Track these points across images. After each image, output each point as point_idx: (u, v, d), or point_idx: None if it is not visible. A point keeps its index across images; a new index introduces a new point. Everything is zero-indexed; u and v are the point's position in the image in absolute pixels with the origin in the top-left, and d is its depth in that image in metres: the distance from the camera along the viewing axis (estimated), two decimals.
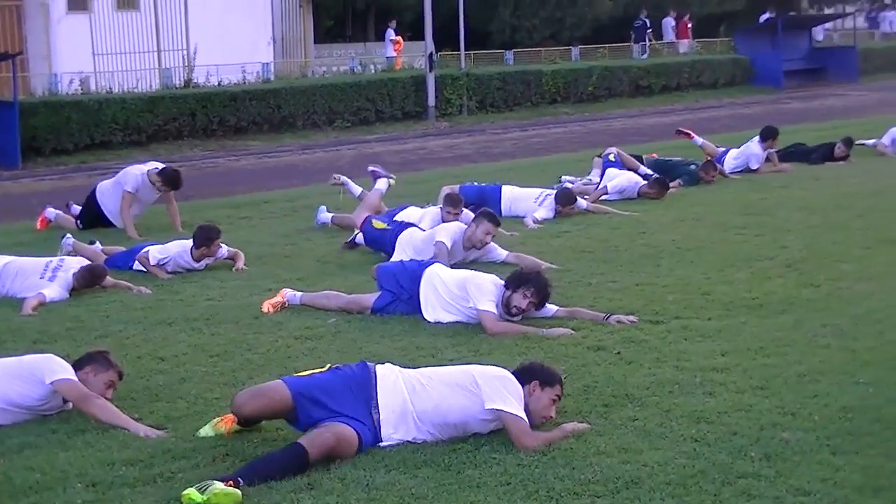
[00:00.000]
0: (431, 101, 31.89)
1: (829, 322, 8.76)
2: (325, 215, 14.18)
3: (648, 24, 44.48)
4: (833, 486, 5.66)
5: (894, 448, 6.09)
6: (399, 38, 41.09)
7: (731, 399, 6.96)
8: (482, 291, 8.94)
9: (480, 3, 44.16)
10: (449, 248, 10.96)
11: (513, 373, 6.62)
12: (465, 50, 35.60)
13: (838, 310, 9.15)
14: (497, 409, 6.35)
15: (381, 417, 6.35)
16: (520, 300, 8.85)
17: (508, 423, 6.34)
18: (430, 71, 31.87)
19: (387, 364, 6.71)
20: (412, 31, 41.10)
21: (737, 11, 51.84)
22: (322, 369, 6.63)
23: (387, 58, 39.94)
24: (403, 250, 11.36)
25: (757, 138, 18.38)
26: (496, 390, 6.40)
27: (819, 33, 49.68)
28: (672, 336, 8.51)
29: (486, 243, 11.03)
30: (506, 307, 8.89)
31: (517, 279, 8.95)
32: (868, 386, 7.13)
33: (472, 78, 33.65)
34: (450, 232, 11.25)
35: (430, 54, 31.99)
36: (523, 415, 6.38)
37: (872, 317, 8.88)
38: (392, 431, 6.37)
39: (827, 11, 59.74)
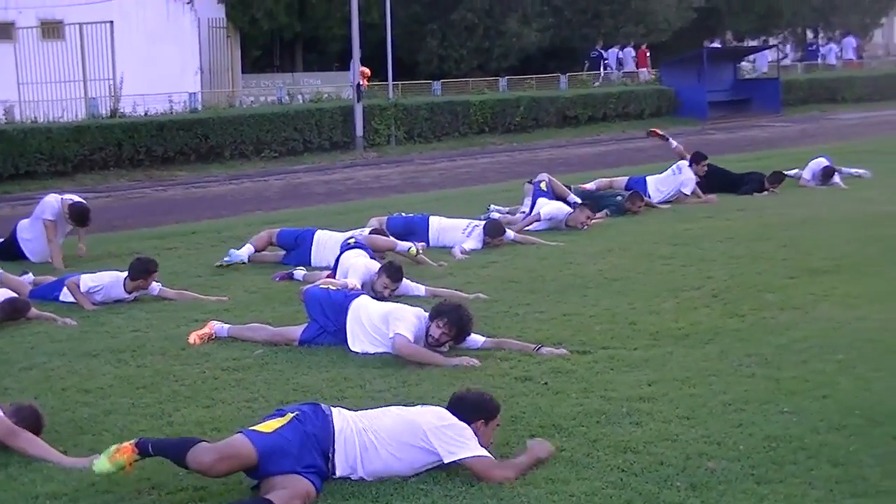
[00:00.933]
0: (359, 131, 31.88)
1: (753, 352, 8.85)
2: (239, 253, 13.79)
3: (604, 55, 45.02)
4: None
5: (817, 476, 6.16)
6: (365, 69, 40.88)
7: (658, 429, 7.00)
8: (402, 321, 9.00)
9: (408, 33, 44.32)
10: (359, 285, 11.02)
11: (450, 407, 6.60)
12: (393, 80, 35.67)
13: (763, 339, 9.25)
14: (460, 459, 6.33)
15: (336, 470, 6.32)
16: (434, 330, 8.94)
17: (474, 466, 6.32)
18: (358, 101, 31.88)
19: (342, 412, 6.57)
20: (340, 62, 41.13)
21: (662, 43, 52.35)
22: (284, 420, 6.35)
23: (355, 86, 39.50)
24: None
25: (685, 163, 18.57)
26: (450, 441, 6.38)
27: (763, 65, 50.40)
28: (599, 366, 8.55)
29: (385, 297, 10.87)
30: (426, 337, 8.96)
31: (435, 310, 9.05)
32: (792, 415, 7.21)
33: (400, 108, 33.70)
34: (359, 274, 11.32)
35: (358, 85, 32.01)
36: (484, 451, 6.39)
37: (796, 346, 8.98)
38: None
39: (751, 43, 60.59)
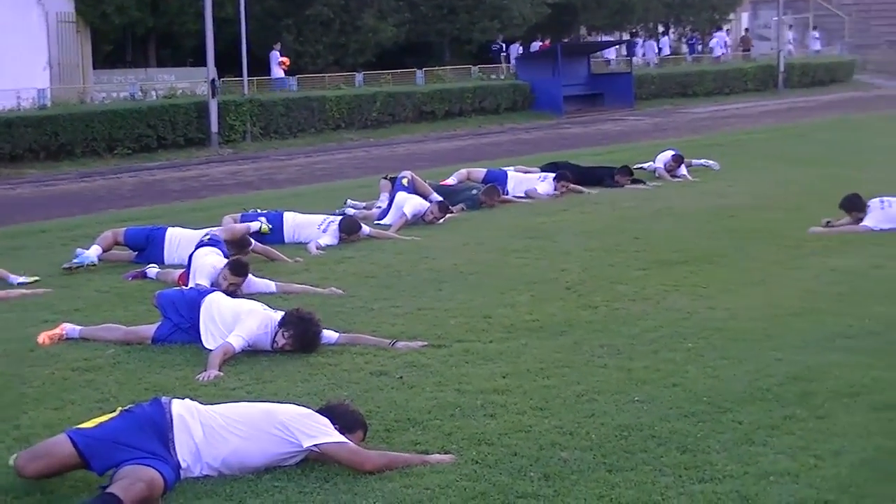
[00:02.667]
0: (214, 127, 31.52)
1: (606, 342, 8.97)
2: (88, 254, 13.27)
3: (504, 48, 45.42)
4: (609, 502, 5.80)
5: (667, 463, 6.27)
6: (285, 58, 41.63)
7: (512, 420, 7.06)
8: (242, 325, 8.94)
9: (263, 28, 43.90)
10: (208, 284, 10.92)
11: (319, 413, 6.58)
12: (249, 76, 35.36)
13: (615, 330, 9.39)
14: (319, 444, 6.29)
15: (177, 457, 6.22)
16: (279, 338, 8.91)
17: (336, 452, 6.29)
18: (213, 97, 31.53)
19: (185, 400, 6.54)
20: (194, 58, 40.62)
21: (518, 38, 52.76)
22: (112, 414, 6.35)
23: (275, 79, 40.08)
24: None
25: (551, 177, 18.67)
26: (309, 427, 6.34)
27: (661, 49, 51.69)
28: (454, 359, 8.59)
29: (232, 292, 10.73)
30: (272, 342, 8.94)
31: (286, 319, 8.97)
32: (643, 404, 7.33)
33: (255, 104, 33.42)
34: (205, 274, 11.19)
35: (213, 80, 31.66)
36: (345, 438, 6.35)
37: (647, 336, 9.14)
38: (189, 472, 6.24)
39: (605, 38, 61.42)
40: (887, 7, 73.93)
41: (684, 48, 63.54)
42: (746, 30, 64.96)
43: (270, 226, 12.55)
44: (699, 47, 61.19)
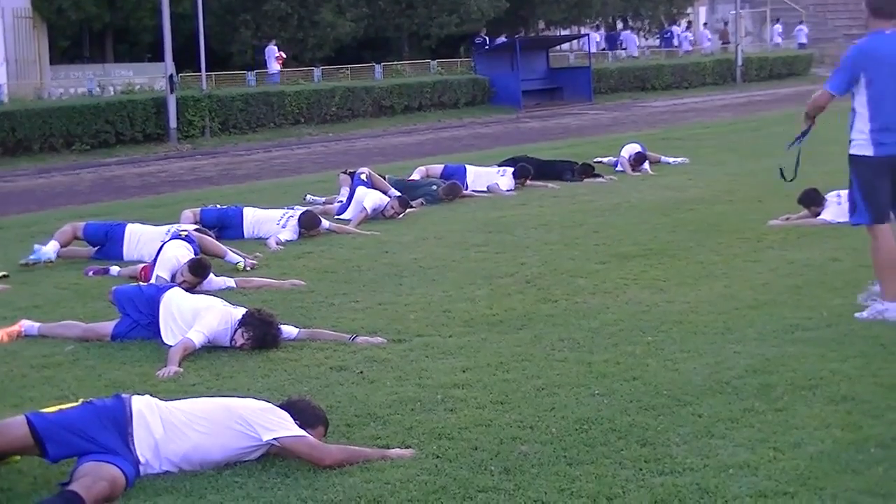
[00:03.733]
0: (173, 123, 31.42)
1: (566, 336, 8.99)
2: (45, 251, 13.14)
3: (487, 42, 45.70)
4: (569, 495, 5.81)
5: (627, 456, 6.29)
6: (282, 53, 42.17)
7: (472, 414, 7.06)
8: (202, 320, 8.92)
9: (221, 23, 43.78)
10: (168, 277, 10.94)
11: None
12: (207, 71, 35.23)
13: (575, 324, 9.40)
14: (278, 438, 6.27)
15: (137, 453, 6.18)
16: (238, 337, 8.87)
17: (295, 446, 6.27)
18: (171, 93, 31.40)
19: (146, 397, 6.51)
20: (152, 53, 40.45)
21: (476, 32, 52.81)
22: (74, 403, 6.37)
23: (270, 75, 40.55)
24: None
25: (510, 172, 18.69)
26: (269, 421, 6.32)
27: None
28: (414, 354, 8.59)
29: (191, 289, 10.64)
30: (230, 340, 8.91)
31: (246, 318, 8.93)
32: (603, 397, 7.35)
33: (213, 99, 33.31)
34: (168, 266, 11.16)
35: (171, 76, 31.54)
36: (305, 432, 6.34)
37: (607, 330, 9.16)
38: (148, 468, 6.21)
39: (563, 33, 61.59)
40: (844, 1, 74.46)
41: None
42: (726, 23, 65.24)
43: (249, 268, 12.38)
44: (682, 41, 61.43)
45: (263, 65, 42.65)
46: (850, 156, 9.40)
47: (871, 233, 9.42)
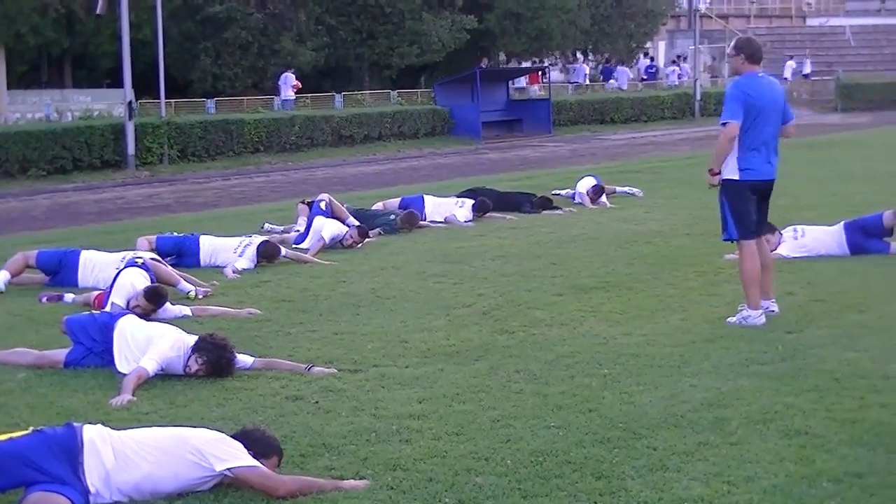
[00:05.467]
0: (131, 149, 31.32)
1: (522, 368, 8.98)
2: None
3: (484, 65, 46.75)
4: None
5: (582, 489, 6.28)
6: (298, 82, 43.37)
7: (427, 446, 7.04)
8: (155, 348, 8.85)
9: (181, 50, 43.72)
10: (123, 304, 10.86)
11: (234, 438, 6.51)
12: (166, 98, 35.15)
13: (531, 355, 9.40)
14: (232, 469, 6.22)
15: (87, 482, 6.12)
16: (192, 363, 8.81)
17: (248, 476, 6.22)
18: (130, 119, 31.31)
19: (97, 426, 6.45)
20: (111, 79, 40.33)
21: (436, 63, 52.96)
22: (24, 431, 6.29)
23: (283, 101, 41.46)
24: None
25: (469, 203, 18.68)
26: (222, 451, 6.27)
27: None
28: (370, 384, 8.56)
29: (146, 316, 10.60)
30: (184, 367, 8.85)
31: (200, 343, 8.87)
32: (558, 429, 7.34)
33: (172, 126, 33.23)
34: (123, 293, 11.09)
35: (130, 102, 31.45)
36: (258, 463, 6.29)
37: (563, 362, 9.16)
38: (99, 498, 6.14)
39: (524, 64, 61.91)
40: (800, 37, 75.30)
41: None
42: (714, 58, 65.84)
43: (201, 295, 12.29)
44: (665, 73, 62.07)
45: (275, 91, 43.56)
46: (724, 180, 10.58)
47: (739, 248, 10.65)
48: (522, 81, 55.64)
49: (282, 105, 41.53)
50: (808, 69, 64.96)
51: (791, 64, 64.55)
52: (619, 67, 62.65)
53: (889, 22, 77.76)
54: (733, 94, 10.49)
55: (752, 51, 10.70)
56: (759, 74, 10.71)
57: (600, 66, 64.04)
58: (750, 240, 10.61)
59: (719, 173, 10.62)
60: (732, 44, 11.01)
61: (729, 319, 10.48)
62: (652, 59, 66.61)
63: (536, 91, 53.66)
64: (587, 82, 59.54)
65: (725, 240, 10.80)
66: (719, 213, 10.67)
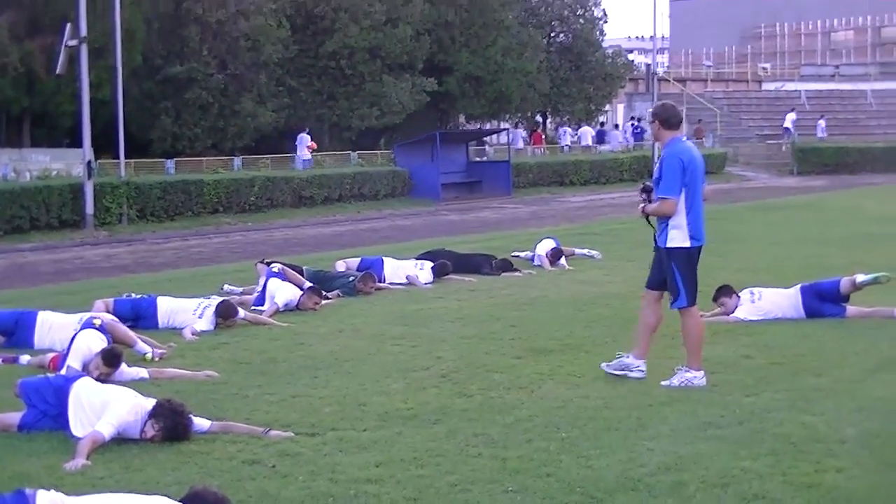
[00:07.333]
0: (90, 209, 31.25)
1: (481, 431, 8.97)
2: None
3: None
4: None
5: None
6: (314, 143, 45.18)
7: None
8: (111, 412, 8.78)
9: (141, 110, 43.76)
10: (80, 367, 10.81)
11: (185, 501, 6.45)
12: (126, 158, 35.13)
13: (490, 419, 9.39)
14: None
15: None
16: (149, 428, 8.75)
17: None
18: (89, 179, 31.25)
19: (51, 492, 6.38)
20: (70, 138, 40.25)
21: (396, 125, 53.22)
22: None
23: (301, 161, 43.02)
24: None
25: (429, 265, 18.69)
26: None
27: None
28: (327, 448, 8.53)
29: (101, 379, 10.54)
30: (140, 432, 8.79)
31: (156, 409, 8.82)
32: (516, 493, 7.33)
33: (132, 186, 33.19)
34: (79, 355, 11.02)
35: (89, 162, 31.43)
36: None
37: (522, 425, 9.15)
38: None
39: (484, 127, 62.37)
40: (756, 102, 76.20)
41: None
42: (699, 120, 66.42)
43: (156, 359, 12.22)
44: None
45: (292, 150, 44.89)
46: (669, 248, 10.59)
47: (686, 314, 10.71)
48: (504, 137, 56.86)
49: (299, 164, 43.41)
50: (820, 133, 65.66)
51: (792, 116, 65.47)
52: (612, 132, 63.16)
53: (843, 87, 78.93)
54: (673, 165, 10.52)
55: (666, 116, 10.80)
56: (683, 139, 10.89)
57: (596, 129, 64.58)
58: (695, 305, 10.78)
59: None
60: (650, 111, 11.24)
61: (665, 382, 10.52)
62: (602, 123, 67.24)
63: (540, 150, 55.36)
64: (569, 144, 60.20)
65: (676, 308, 10.79)
66: (669, 282, 10.69)
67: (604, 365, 10.84)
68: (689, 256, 10.60)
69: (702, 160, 10.93)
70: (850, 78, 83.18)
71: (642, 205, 10.83)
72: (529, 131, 63.09)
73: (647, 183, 11.00)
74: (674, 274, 10.61)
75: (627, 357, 10.81)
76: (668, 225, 10.59)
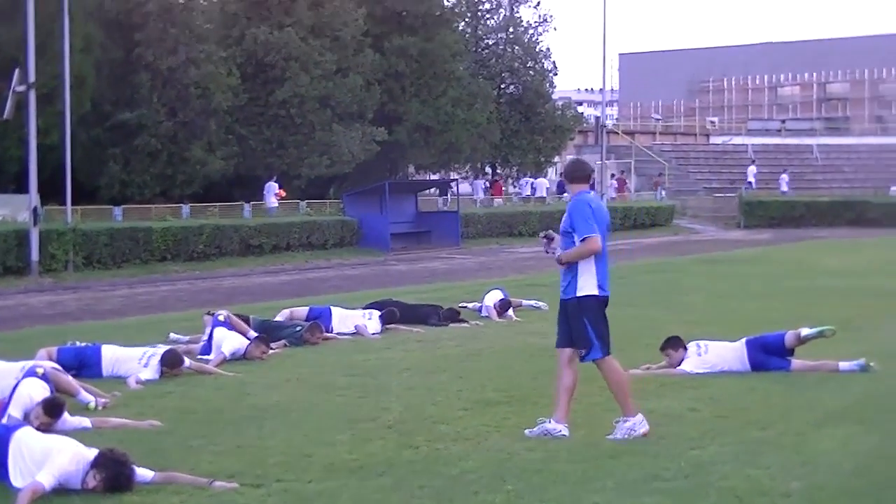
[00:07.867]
0: (35, 256, 31.01)
1: (426, 483, 8.93)
2: None
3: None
4: None
5: None
6: (282, 191, 46.46)
7: None
8: (52, 462, 8.67)
9: (89, 156, 43.56)
10: (21, 416, 10.68)
11: None
12: (73, 204, 34.94)
13: (436, 471, 9.35)
14: None
15: None
16: (90, 479, 8.66)
17: None
18: (35, 225, 31.03)
19: None
20: (16, 184, 39.98)
21: (346, 174, 53.26)
22: None
23: (269, 208, 43.77)
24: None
25: (377, 315, 18.67)
26: None
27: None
28: (272, 500, 8.46)
29: (43, 429, 10.42)
30: (81, 482, 8.67)
31: (96, 459, 8.73)
32: None
33: (78, 233, 32.98)
34: (20, 404, 10.90)
35: (35, 208, 31.21)
36: None
37: (468, 477, 9.12)
38: None
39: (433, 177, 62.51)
40: (703, 155, 76.98)
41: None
42: (660, 174, 67.05)
43: (101, 407, 12.12)
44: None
45: (242, 198, 44.99)
46: (580, 298, 10.59)
47: (603, 365, 10.65)
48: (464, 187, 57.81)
49: (267, 211, 44.37)
50: (784, 187, 66.57)
51: (753, 169, 66.46)
52: (528, 180, 63.67)
53: (789, 142, 79.94)
54: (582, 209, 10.62)
55: (570, 171, 11.09)
56: (590, 193, 11.08)
57: (557, 181, 65.04)
58: (610, 354, 10.70)
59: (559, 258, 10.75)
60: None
61: (610, 436, 10.51)
62: (494, 171, 68.35)
63: (500, 201, 56.44)
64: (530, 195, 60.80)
65: (590, 360, 10.69)
66: (580, 334, 10.62)
67: (527, 431, 10.69)
68: (599, 305, 10.62)
69: (607, 213, 11.05)
70: (797, 132, 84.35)
71: (558, 253, 10.82)
72: (490, 182, 63.32)
73: (549, 231, 11.13)
74: (584, 325, 10.57)
75: (549, 422, 10.67)
76: (576, 274, 10.61)
